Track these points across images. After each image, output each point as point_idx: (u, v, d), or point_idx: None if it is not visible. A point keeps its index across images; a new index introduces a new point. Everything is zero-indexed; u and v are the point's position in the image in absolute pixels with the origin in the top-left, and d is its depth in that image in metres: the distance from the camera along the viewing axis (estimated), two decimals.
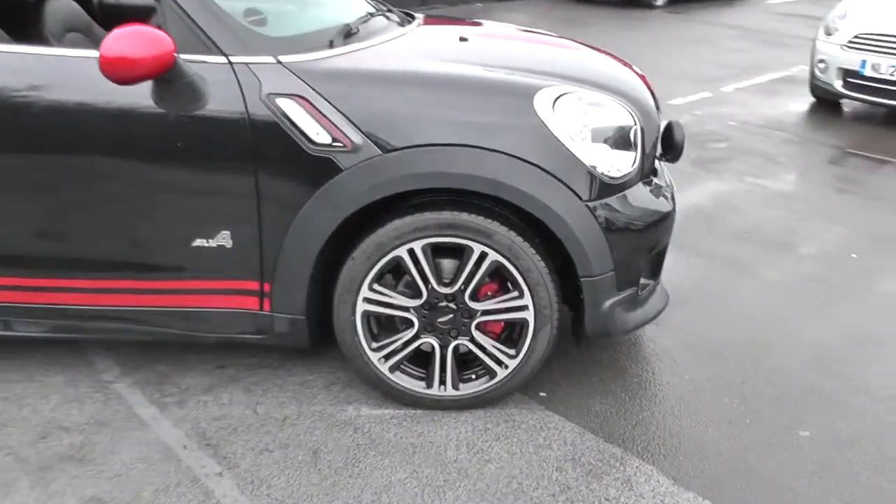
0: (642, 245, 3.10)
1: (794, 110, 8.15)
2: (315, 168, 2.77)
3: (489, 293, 3.01)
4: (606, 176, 2.88)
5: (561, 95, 2.85)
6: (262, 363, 3.41)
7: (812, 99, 8.34)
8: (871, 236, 5.00)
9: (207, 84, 2.73)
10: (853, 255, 4.71)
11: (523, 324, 2.97)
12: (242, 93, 2.74)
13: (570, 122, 2.82)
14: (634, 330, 3.27)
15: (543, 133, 2.79)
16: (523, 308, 2.93)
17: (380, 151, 2.74)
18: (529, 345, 2.98)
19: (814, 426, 3.13)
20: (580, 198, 2.83)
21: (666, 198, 3.24)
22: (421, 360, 3.12)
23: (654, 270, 3.32)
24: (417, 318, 2.97)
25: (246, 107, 2.73)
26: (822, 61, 7.66)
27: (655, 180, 3.25)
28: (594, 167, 2.85)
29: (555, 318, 2.96)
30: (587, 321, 3.01)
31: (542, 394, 3.25)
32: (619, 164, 2.94)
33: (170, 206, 2.87)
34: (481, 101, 2.85)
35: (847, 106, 8.25)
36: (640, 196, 3.06)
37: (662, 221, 3.15)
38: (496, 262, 2.86)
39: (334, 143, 2.74)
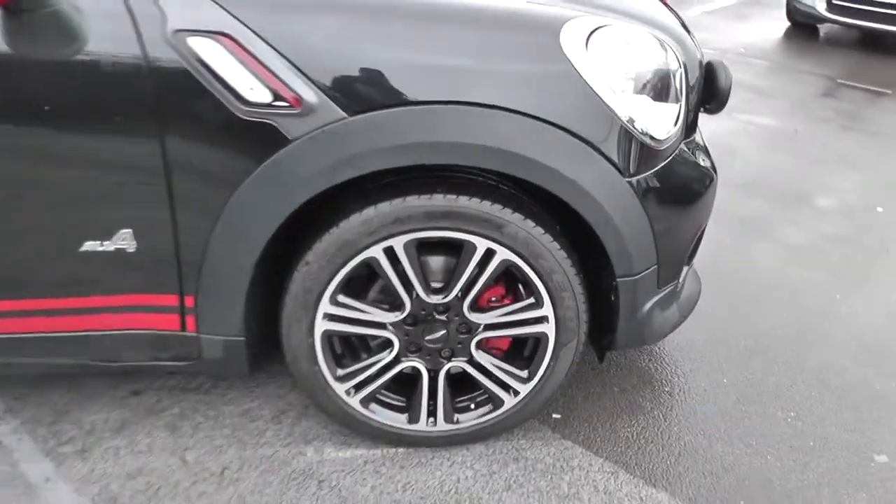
0: (691, 227, 2.32)
1: (771, 36, 7.40)
2: (249, 138, 1.88)
3: (494, 299, 2.21)
4: (651, 139, 2.06)
5: (596, 29, 1.99)
6: (186, 385, 2.56)
7: (787, 23, 7.59)
8: (890, 185, 4.32)
9: (83, 16, 1.80)
10: (878, 209, 4.03)
11: (540, 339, 2.19)
12: (137, 29, 1.81)
13: (608, 67, 1.97)
14: (672, 331, 2.52)
15: (574, 82, 1.94)
16: (541, 320, 2.14)
17: (343, 114, 1.86)
18: (548, 366, 2.20)
19: (891, 447, 2.46)
20: (621, 171, 2.01)
21: (709, 161, 2.45)
22: (402, 382, 2.33)
23: (693, 254, 2.55)
24: (398, 337, 2.15)
25: (143, 50, 1.81)
26: None
27: (697, 139, 2.46)
28: (638, 127, 2.03)
29: (583, 331, 2.18)
30: (620, 331, 2.24)
31: (555, 416, 2.49)
32: (663, 121, 2.12)
33: (42, 197, 1.95)
34: (488, 40, 1.96)
35: (822, 30, 7.54)
36: (686, 163, 2.26)
37: (710, 192, 2.36)
38: (507, 262, 2.05)
39: (276, 103, 1.85)
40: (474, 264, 2.04)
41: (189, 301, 2.10)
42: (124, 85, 1.83)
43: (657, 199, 2.10)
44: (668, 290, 2.31)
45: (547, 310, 2.11)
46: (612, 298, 2.19)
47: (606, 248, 2.06)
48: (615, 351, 2.71)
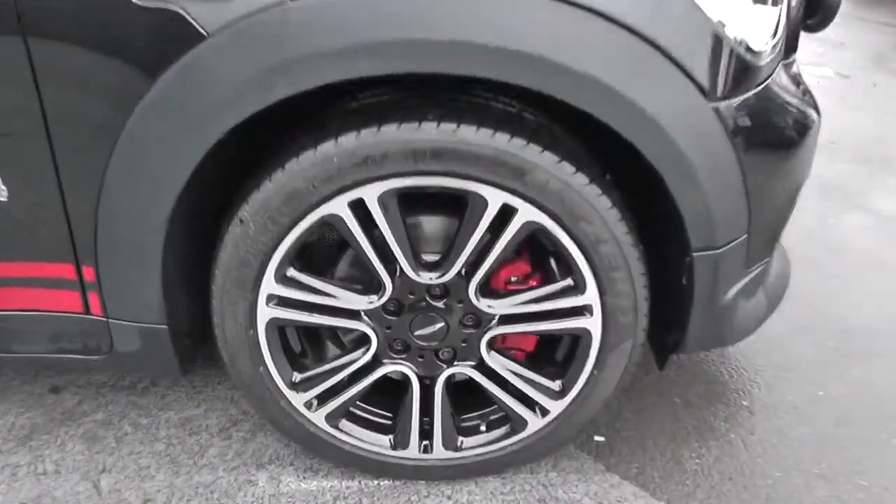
0: (792, 183, 1.60)
1: None
2: (146, 36, 1.23)
3: (514, 279, 1.54)
4: (747, 50, 1.37)
5: None
6: (119, 381, 1.94)
7: None
8: None
9: None
10: None
11: (580, 339, 1.52)
12: None
13: None
14: (758, 327, 1.81)
15: None
16: (581, 311, 1.45)
17: None
18: (590, 376, 1.52)
19: None
20: (704, 93, 1.32)
21: (811, 97, 1.73)
22: (386, 391, 1.68)
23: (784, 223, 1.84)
24: (376, 331, 1.50)
25: None
26: None
27: (796, 63, 1.75)
28: (730, 34, 1.33)
29: (641, 328, 1.49)
30: (693, 327, 1.54)
31: (597, 438, 1.81)
32: (761, 28, 1.42)
33: None
34: None
35: None
36: (786, 92, 1.56)
37: (813, 138, 1.65)
38: (532, 225, 1.37)
39: None
40: (484, 228, 1.36)
41: (88, 273, 1.47)
42: None
43: (751, 138, 1.39)
44: (756, 271, 1.61)
45: (590, 296, 1.43)
46: (683, 282, 1.50)
47: (680, 207, 1.36)
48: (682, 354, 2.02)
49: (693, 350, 1.64)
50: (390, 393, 1.65)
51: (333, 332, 1.61)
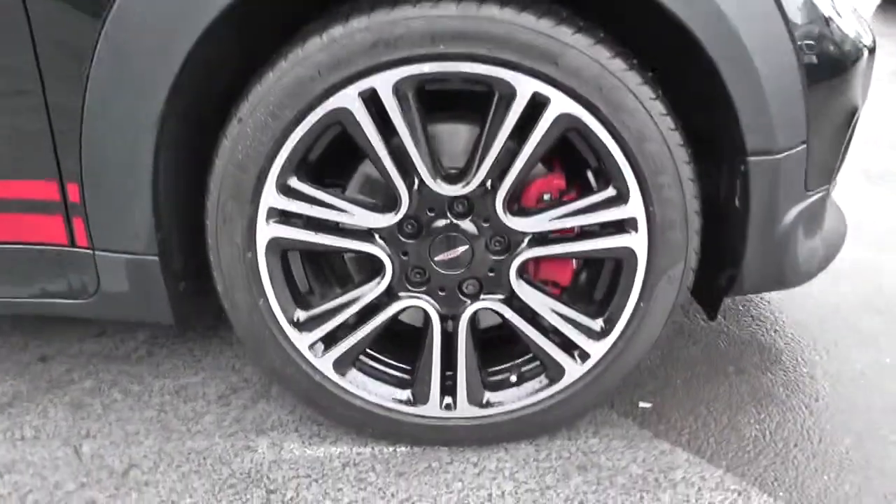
0: (849, 96, 1.42)
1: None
2: None
3: (547, 196, 1.35)
4: None
5: None
6: (112, 351, 1.75)
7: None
8: None
9: None
10: None
11: (623, 265, 1.32)
12: None
13: None
14: (818, 274, 1.60)
15: None
16: (625, 226, 1.26)
17: None
18: (636, 308, 1.31)
19: None
20: None
21: (867, 24, 1.57)
22: (402, 343, 1.48)
23: (844, 157, 1.64)
24: (392, 257, 1.32)
25: None
26: None
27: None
28: None
29: (692, 248, 1.30)
30: (751, 257, 1.34)
31: (642, 405, 1.58)
32: None
33: None
34: None
35: None
36: (843, 10, 1.40)
37: (868, 62, 1.48)
38: (567, 118, 1.19)
39: None
40: (512, 124, 1.19)
41: (73, 191, 1.31)
42: None
43: (811, 36, 1.23)
44: (817, 196, 1.41)
45: (635, 207, 1.23)
46: (737, 203, 1.31)
47: (734, 97, 1.19)
48: (738, 297, 1.80)
49: (750, 290, 1.42)
50: (408, 345, 1.45)
51: (343, 273, 1.43)
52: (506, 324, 1.38)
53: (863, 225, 2.37)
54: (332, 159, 1.37)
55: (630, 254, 1.28)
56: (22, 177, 1.31)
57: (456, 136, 1.30)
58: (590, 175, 1.31)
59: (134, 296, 1.39)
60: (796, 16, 1.20)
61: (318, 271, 1.42)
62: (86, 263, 1.37)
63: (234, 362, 1.71)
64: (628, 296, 1.31)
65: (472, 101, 1.27)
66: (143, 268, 1.35)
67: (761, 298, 1.96)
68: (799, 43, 1.20)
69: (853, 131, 1.50)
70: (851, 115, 1.45)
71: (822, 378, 1.67)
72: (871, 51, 1.45)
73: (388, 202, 1.28)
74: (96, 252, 1.36)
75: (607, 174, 1.24)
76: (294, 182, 1.24)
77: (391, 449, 1.45)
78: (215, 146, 1.24)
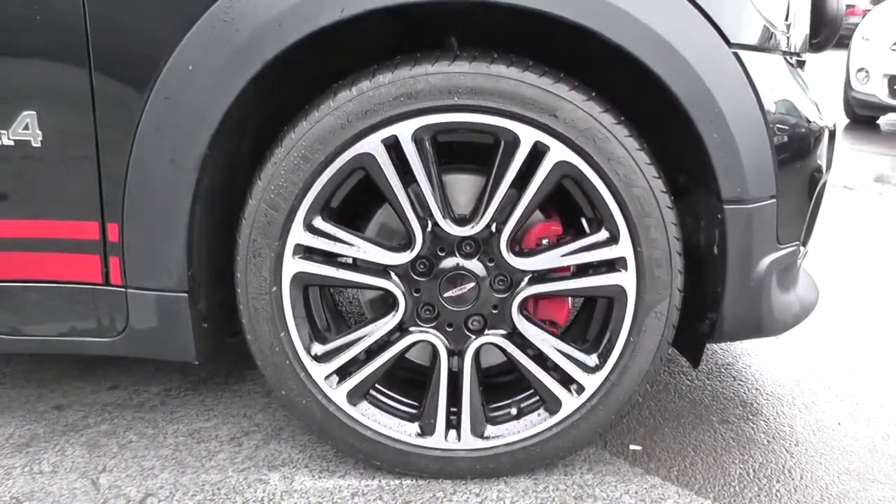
0: (813, 161, 1.57)
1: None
2: None
3: (545, 241, 1.47)
4: (765, 19, 1.41)
5: None
6: (127, 400, 1.80)
7: (845, 119, 6.94)
8: None
9: None
10: None
11: (615, 302, 1.43)
12: None
13: None
14: (793, 327, 1.72)
15: None
16: (616, 265, 1.38)
17: None
18: (627, 343, 1.41)
19: None
20: (727, 40, 1.34)
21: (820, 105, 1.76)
22: (407, 380, 1.56)
23: (811, 225, 1.78)
24: (405, 293, 1.42)
25: None
26: (861, 70, 6.29)
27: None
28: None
29: (676, 286, 1.41)
30: (729, 302, 1.45)
31: (633, 447, 1.65)
32: (776, 5, 1.47)
33: None
34: None
35: (884, 122, 6.87)
36: (794, 76, 1.58)
37: (827, 136, 1.65)
38: (565, 165, 1.33)
39: None
40: (516, 169, 1.33)
41: (112, 231, 1.41)
42: None
43: (771, 95, 1.40)
44: (788, 250, 1.54)
45: (624, 247, 1.36)
46: (716, 247, 1.44)
47: (710, 152, 1.33)
48: (720, 360, 1.89)
49: (730, 335, 1.53)
50: (416, 384, 1.53)
51: (358, 312, 1.52)
52: (507, 362, 1.47)
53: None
54: (350, 210, 1.49)
55: (620, 291, 1.39)
56: (65, 217, 1.42)
57: (465, 185, 1.44)
58: (584, 223, 1.44)
59: (161, 333, 1.46)
60: (766, 91, 1.36)
61: (334, 311, 1.51)
62: (117, 301, 1.46)
63: (246, 410, 1.77)
64: (619, 331, 1.41)
65: (479, 156, 1.42)
66: (173, 304, 1.43)
67: (742, 362, 2.06)
68: (768, 112, 1.36)
69: (820, 197, 1.65)
70: (816, 179, 1.60)
71: (802, 428, 1.75)
72: (832, 132, 1.62)
73: (402, 244, 1.40)
74: (129, 290, 1.45)
75: (600, 219, 1.37)
76: (319, 222, 1.36)
77: (397, 481, 1.50)
78: (249, 186, 1.36)
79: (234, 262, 1.39)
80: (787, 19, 1.51)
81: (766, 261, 1.47)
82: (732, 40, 1.32)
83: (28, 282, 1.46)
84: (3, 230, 1.42)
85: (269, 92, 1.42)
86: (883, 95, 6.10)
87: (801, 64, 1.71)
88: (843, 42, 7.76)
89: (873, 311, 2.46)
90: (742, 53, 1.34)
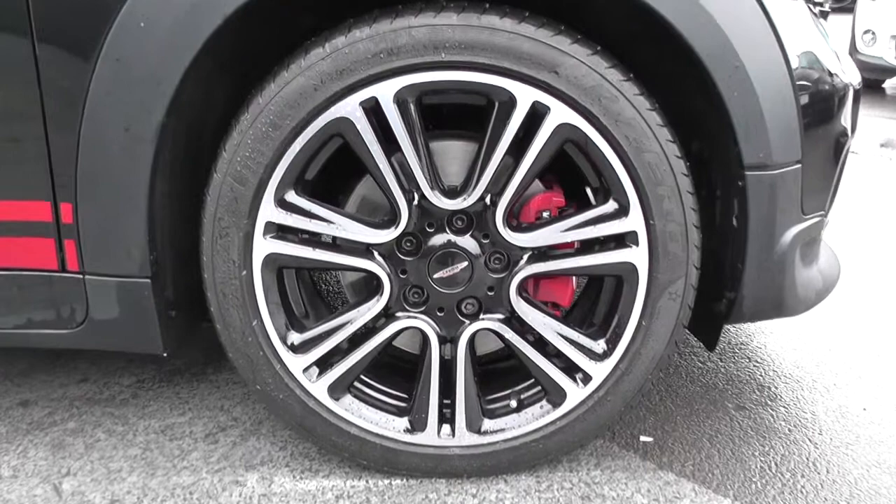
0: (839, 122, 1.39)
1: None
2: None
3: (546, 213, 1.30)
4: None
5: None
6: (97, 394, 1.63)
7: None
8: None
9: None
10: None
11: (623, 282, 1.26)
12: None
13: None
14: (815, 305, 1.55)
15: None
16: (625, 241, 1.21)
17: None
18: (638, 327, 1.24)
19: None
20: None
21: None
22: (395, 370, 1.39)
23: (835, 192, 1.60)
24: (390, 275, 1.24)
25: None
26: (868, 32, 6.03)
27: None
28: None
29: (692, 262, 1.24)
30: (749, 279, 1.27)
31: (643, 438, 1.49)
32: None
33: None
34: None
35: (890, 86, 6.62)
36: (818, 25, 1.40)
37: (858, 95, 1.47)
38: (567, 128, 1.15)
39: None
40: (512, 134, 1.15)
41: (66, 212, 1.23)
42: None
43: (798, 45, 1.22)
44: (812, 221, 1.37)
45: (635, 220, 1.18)
46: (735, 218, 1.26)
47: (730, 111, 1.16)
48: (733, 340, 1.72)
49: (749, 316, 1.35)
50: (404, 374, 1.37)
51: (339, 295, 1.35)
52: (505, 349, 1.31)
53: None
54: (327, 181, 1.32)
55: (631, 269, 1.21)
56: (12, 197, 1.25)
57: (455, 152, 1.26)
58: (589, 193, 1.27)
59: (124, 323, 1.29)
60: (793, 48, 1.19)
61: (313, 295, 1.34)
62: (75, 289, 1.29)
63: (223, 403, 1.60)
64: (630, 314, 1.23)
65: (471, 120, 1.24)
66: (135, 291, 1.26)
67: (756, 342, 1.89)
68: (793, 67, 1.18)
69: (844, 161, 1.48)
70: (842, 143, 1.42)
71: (825, 414, 1.58)
72: (857, 91, 1.45)
73: (386, 220, 1.22)
74: (87, 276, 1.28)
75: (607, 188, 1.20)
76: (292, 196, 1.18)
77: (387, 481, 1.34)
78: (214, 159, 1.18)
79: (199, 244, 1.22)
80: None
81: (791, 233, 1.29)
82: None
83: None
84: None
85: (237, 53, 1.24)
86: (890, 58, 5.82)
87: (823, 15, 1.53)
88: (849, 7, 7.48)
89: (892, 285, 2.29)
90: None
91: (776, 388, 1.69)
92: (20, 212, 1.25)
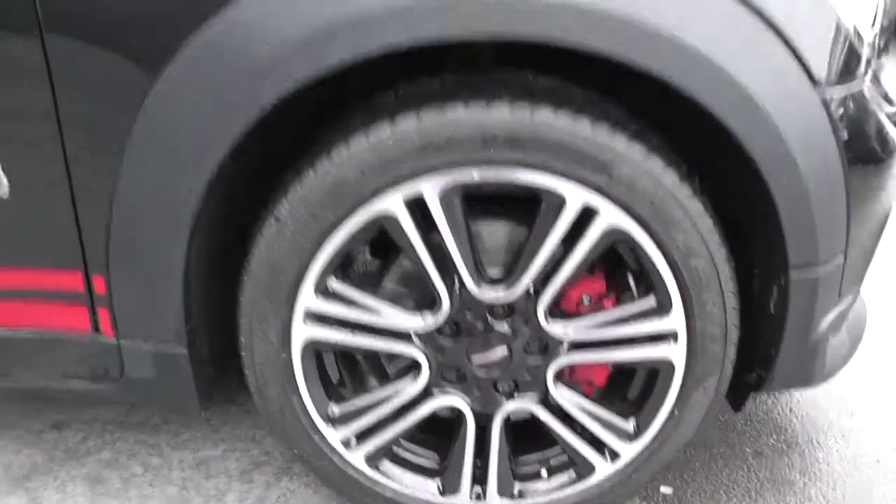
0: (884, 200, 1.35)
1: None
2: None
3: (588, 298, 1.28)
4: (856, 34, 1.15)
5: None
6: (127, 417, 1.65)
7: None
8: None
9: None
10: None
11: (659, 372, 1.24)
12: None
13: None
14: (843, 367, 1.55)
15: None
16: (665, 338, 1.19)
17: None
18: (670, 415, 1.24)
19: None
20: (812, 80, 1.09)
21: None
22: (434, 429, 1.40)
23: None
24: (429, 356, 1.23)
25: None
26: None
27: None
28: (839, 13, 1.11)
29: (729, 359, 1.23)
30: (783, 361, 1.26)
31: (664, 490, 1.51)
32: (866, 11, 1.21)
33: None
34: None
35: None
36: (877, 101, 1.34)
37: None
38: (615, 232, 1.12)
39: None
40: (560, 235, 1.12)
41: (98, 284, 1.21)
42: None
43: (855, 137, 1.16)
44: (848, 301, 1.36)
45: (676, 320, 1.16)
46: (772, 305, 1.24)
47: (781, 214, 1.12)
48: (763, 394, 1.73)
49: (777, 389, 1.36)
50: (437, 431, 1.37)
51: (375, 362, 1.34)
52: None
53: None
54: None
55: (668, 364, 1.20)
56: (49, 266, 1.22)
57: (499, 235, 1.21)
58: (630, 279, 1.24)
59: (159, 383, 1.29)
60: (848, 132, 1.13)
61: (348, 361, 1.33)
62: (109, 352, 1.28)
63: (254, 433, 1.62)
64: (663, 402, 1.23)
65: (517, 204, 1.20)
66: (168, 359, 1.25)
67: None
68: (847, 159, 1.13)
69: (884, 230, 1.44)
70: (886, 218, 1.38)
71: (839, 465, 1.60)
72: None
73: (425, 304, 1.20)
74: (121, 341, 1.26)
75: (649, 282, 1.17)
76: (333, 283, 1.16)
77: None
78: (252, 244, 1.15)
79: (237, 324, 1.20)
80: (873, 28, 1.25)
81: (828, 320, 1.28)
82: (818, 78, 1.08)
83: (17, 328, 1.28)
84: None
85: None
86: None
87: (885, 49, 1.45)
88: None
89: None
90: (828, 91, 1.10)
91: (793, 430, 1.70)
92: (55, 280, 1.24)
